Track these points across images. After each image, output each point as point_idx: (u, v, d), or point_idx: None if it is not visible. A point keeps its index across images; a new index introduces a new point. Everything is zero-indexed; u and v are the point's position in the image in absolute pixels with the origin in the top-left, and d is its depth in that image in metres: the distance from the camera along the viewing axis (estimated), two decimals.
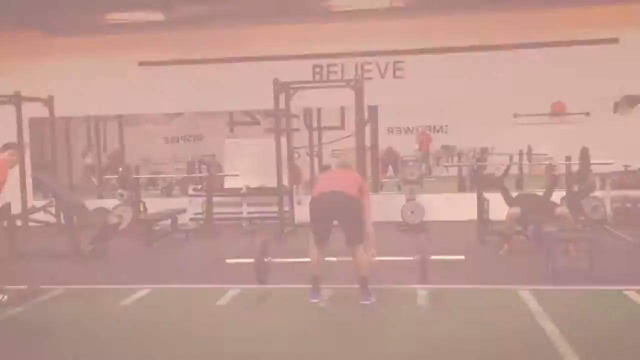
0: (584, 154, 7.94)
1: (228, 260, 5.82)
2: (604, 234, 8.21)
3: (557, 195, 7.58)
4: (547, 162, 9.32)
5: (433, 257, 5.49)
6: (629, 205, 9.22)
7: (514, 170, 11.34)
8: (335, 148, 15.16)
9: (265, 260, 5.70)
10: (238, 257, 7.62)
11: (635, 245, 7.44)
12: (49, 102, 10.01)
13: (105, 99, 10.74)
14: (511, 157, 12.24)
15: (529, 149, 13.58)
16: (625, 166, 12.04)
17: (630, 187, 9.61)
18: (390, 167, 13.34)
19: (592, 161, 7.98)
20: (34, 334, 4.78)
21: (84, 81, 10.62)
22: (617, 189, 9.34)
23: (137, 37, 10.64)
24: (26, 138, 10.19)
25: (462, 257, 5.75)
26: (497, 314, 4.96)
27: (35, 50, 10.73)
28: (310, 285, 5.33)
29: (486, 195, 8.17)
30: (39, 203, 9.63)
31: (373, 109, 11.17)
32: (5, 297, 5.54)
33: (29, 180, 10.04)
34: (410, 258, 5.55)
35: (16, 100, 9.60)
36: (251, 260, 5.56)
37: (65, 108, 10.42)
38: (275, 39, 10.31)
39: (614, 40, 9.55)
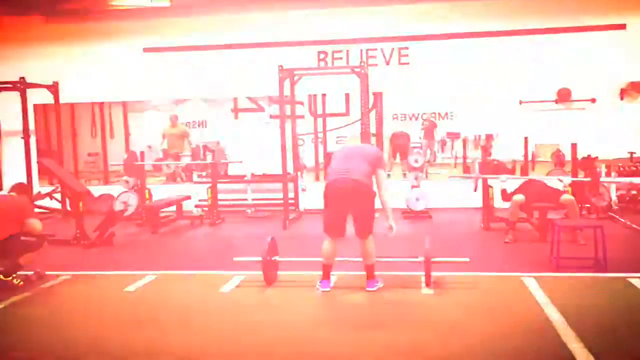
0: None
1: (235, 259, 5.81)
2: (609, 221, 8.20)
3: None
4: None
5: (438, 259, 5.33)
6: (634, 192, 9.18)
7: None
8: (340, 135, 15.13)
9: (272, 259, 5.57)
10: (242, 245, 7.68)
11: None
12: (53, 88, 10.01)
13: (110, 85, 10.74)
14: None
15: None
16: (631, 153, 11.99)
17: (635, 174, 9.56)
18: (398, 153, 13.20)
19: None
20: (39, 319, 4.81)
21: (89, 67, 10.62)
22: (623, 176, 9.30)
23: (142, 23, 10.62)
24: (31, 125, 10.22)
25: (467, 259, 5.50)
26: (502, 301, 4.96)
27: (39, 36, 10.71)
28: (321, 273, 5.29)
29: (491, 182, 8.13)
30: (45, 189, 9.66)
31: (378, 96, 11.11)
32: (22, 282, 5.64)
33: (34, 167, 10.08)
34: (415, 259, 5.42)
35: (21, 86, 9.61)
36: (258, 258, 5.46)
37: (69, 94, 10.43)
38: (280, 25, 10.27)
39: (622, 26, 9.47)
